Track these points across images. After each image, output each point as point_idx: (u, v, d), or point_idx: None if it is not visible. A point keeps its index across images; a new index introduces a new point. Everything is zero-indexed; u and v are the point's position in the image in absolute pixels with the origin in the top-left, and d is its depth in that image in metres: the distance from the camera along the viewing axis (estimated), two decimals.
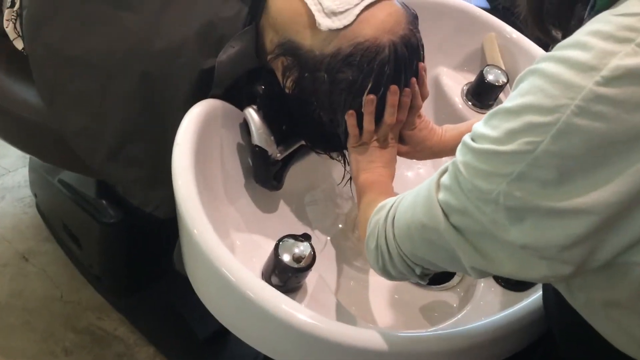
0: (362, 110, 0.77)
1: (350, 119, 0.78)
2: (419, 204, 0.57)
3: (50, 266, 1.37)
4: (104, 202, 1.16)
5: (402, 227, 0.60)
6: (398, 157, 0.85)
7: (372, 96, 0.76)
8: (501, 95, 1.06)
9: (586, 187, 0.44)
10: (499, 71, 1.02)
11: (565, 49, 0.45)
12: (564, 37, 0.49)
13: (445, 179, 0.54)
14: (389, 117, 0.78)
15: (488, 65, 1.03)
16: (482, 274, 0.56)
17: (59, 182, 1.24)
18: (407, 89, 0.78)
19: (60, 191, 1.24)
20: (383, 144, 0.80)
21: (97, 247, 1.26)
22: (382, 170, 0.80)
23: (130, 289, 1.30)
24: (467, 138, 0.52)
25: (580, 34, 0.45)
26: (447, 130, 0.86)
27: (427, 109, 1.05)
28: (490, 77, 1.02)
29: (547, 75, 0.45)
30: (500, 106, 0.49)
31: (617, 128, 0.43)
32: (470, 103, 1.06)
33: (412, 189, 0.61)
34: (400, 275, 0.65)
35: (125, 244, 1.21)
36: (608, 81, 0.42)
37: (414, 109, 0.81)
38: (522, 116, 0.46)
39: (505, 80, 1.02)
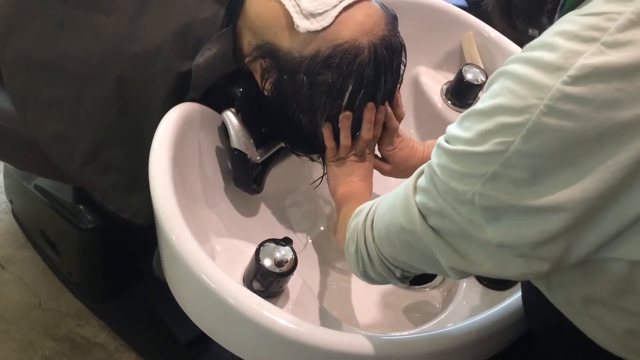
0: (339, 125, 0.79)
1: (326, 131, 0.80)
2: (397, 207, 0.57)
3: (27, 273, 1.34)
4: (81, 207, 1.13)
5: (381, 230, 0.60)
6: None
7: (347, 112, 0.78)
8: (480, 94, 1.06)
9: (558, 185, 0.45)
10: (478, 70, 1.03)
11: (533, 49, 0.46)
12: (539, 34, 0.49)
13: (421, 181, 0.54)
14: (366, 132, 0.80)
15: (467, 64, 1.04)
16: (462, 275, 0.56)
17: (35, 187, 1.21)
18: (382, 107, 0.80)
19: (37, 197, 1.21)
20: (360, 158, 0.82)
21: (75, 253, 1.24)
22: (360, 183, 0.81)
23: (110, 294, 1.28)
24: (441, 140, 0.52)
25: (547, 35, 0.46)
26: (428, 146, 0.87)
27: (407, 108, 1.05)
28: (469, 76, 1.02)
29: (516, 77, 0.46)
30: (472, 108, 0.49)
31: (586, 126, 0.43)
32: (449, 102, 1.06)
33: (389, 192, 0.61)
34: (380, 278, 0.65)
35: (103, 249, 1.19)
36: (575, 80, 0.43)
37: (389, 130, 0.83)
38: (494, 117, 0.46)
39: (484, 79, 1.03)
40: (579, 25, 0.44)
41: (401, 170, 0.87)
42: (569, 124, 0.43)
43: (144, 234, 0.86)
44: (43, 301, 1.31)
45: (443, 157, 0.51)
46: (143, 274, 1.10)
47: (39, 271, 1.35)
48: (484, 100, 0.48)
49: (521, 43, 1.32)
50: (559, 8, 0.51)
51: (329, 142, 0.81)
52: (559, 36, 0.44)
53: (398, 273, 0.62)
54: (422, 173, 0.55)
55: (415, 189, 0.55)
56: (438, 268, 0.56)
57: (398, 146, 0.85)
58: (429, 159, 0.83)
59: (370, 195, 0.81)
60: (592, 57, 0.43)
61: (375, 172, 0.86)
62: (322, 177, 0.87)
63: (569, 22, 0.45)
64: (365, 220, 0.63)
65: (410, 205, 0.54)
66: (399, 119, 0.84)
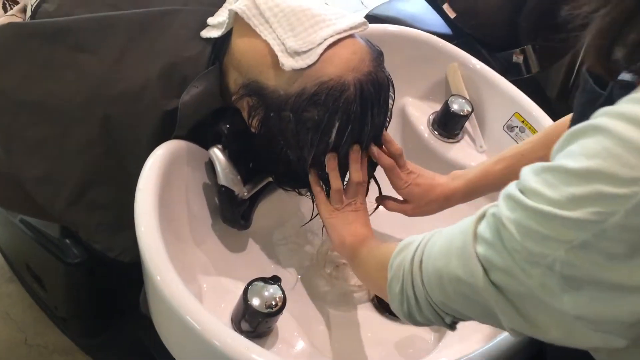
0: (327, 169, 0.78)
1: (312, 176, 0.79)
2: (452, 253, 0.52)
3: (13, 308, 1.32)
4: (67, 241, 1.12)
5: (431, 274, 0.55)
6: None
7: (332, 153, 0.77)
8: (467, 124, 1.07)
9: None
10: (463, 100, 1.04)
11: None
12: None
13: (484, 231, 0.49)
14: (355, 174, 0.79)
15: (452, 95, 1.05)
16: (522, 336, 0.51)
17: (21, 221, 1.20)
18: (373, 148, 0.80)
19: (22, 231, 1.20)
20: (355, 207, 0.79)
21: (62, 288, 1.22)
22: (364, 229, 0.78)
23: (98, 329, 1.26)
24: (514, 191, 0.47)
25: None
26: (453, 178, 0.84)
27: (394, 138, 1.05)
28: (455, 107, 1.03)
29: (620, 139, 0.40)
30: (559, 162, 0.44)
31: None
32: (436, 132, 1.06)
33: (440, 229, 0.57)
34: (427, 322, 0.60)
35: (90, 284, 1.17)
36: None
37: (388, 170, 0.82)
38: (590, 183, 0.41)
39: (469, 110, 1.03)
40: None
41: (423, 206, 0.84)
42: None
43: (131, 269, 0.85)
44: (29, 337, 1.28)
45: (519, 212, 0.45)
46: (131, 309, 1.09)
47: (26, 306, 1.33)
48: (575, 157, 0.43)
49: (504, 73, 1.33)
50: None
51: (315, 187, 0.80)
52: None
53: (448, 320, 0.57)
54: (481, 217, 0.51)
55: (475, 236, 0.50)
56: (496, 323, 0.52)
57: (412, 182, 0.83)
58: (453, 191, 0.83)
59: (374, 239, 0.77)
60: None
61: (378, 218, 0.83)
62: (313, 216, 0.86)
63: None
64: (412, 258, 0.58)
65: (470, 255, 0.50)
66: (395, 155, 0.82)
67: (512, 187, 0.48)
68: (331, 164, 0.78)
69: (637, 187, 0.39)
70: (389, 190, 0.86)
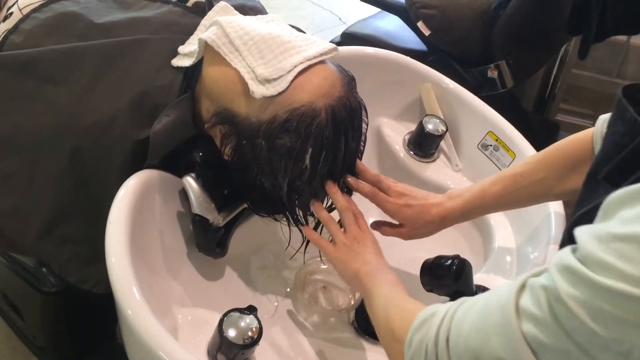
0: (316, 216, 0.79)
1: (307, 230, 0.80)
2: (491, 331, 0.47)
3: None
4: (44, 270, 1.10)
5: (463, 354, 0.50)
6: None
7: (317, 203, 0.79)
8: (442, 144, 1.07)
9: None
10: (438, 120, 1.04)
11: None
12: None
13: (529, 305, 0.44)
14: (338, 202, 0.78)
15: (427, 115, 1.05)
16: None
17: None
18: (349, 179, 0.79)
19: None
20: (358, 236, 0.76)
21: (39, 317, 1.20)
22: (374, 257, 0.74)
23: (77, 358, 1.24)
24: (573, 262, 0.41)
25: None
26: (450, 198, 0.83)
27: (370, 158, 1.06)
28: (429, 127, 1.03)
29: None
30: (634, 229, 0.38)
31: None
32: (412, 152, 1.07)
33: (467, 299, 0.52)
34: None
35: (68, 313, 1.15)
36: None
37: (371, 197, 0.81)
38: None
39: (444, 129, 1.04)
40: None
41: (419, 228, 0.82)
42: None
43: (108, 298, 0.83)
44: None
45: (583, 289, 0.40)
46: (109, 338, 1.07)
47: (3, 336, 1.31)
48: None
49: (480, 89, 1.34)
50: None
51: (313, 237, 0.79)
52: None
53: None
54: (521, 289, 0.46)
55: (518, 311, 0.45)
56: None
57: (404, 204, 0.81)
58: (448, 211, 0.81)
59: (389, 268, 0.74)
60: None
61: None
62: (290, 242, 0.86)
63: None
64: (437, 336, 0.52)
65: (513, 333, 0.45)
66: (372, 182, 0.82)
67: (568, 257, 0.42)
68: (317, 207, 0.78)
69: None
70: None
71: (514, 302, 0.45)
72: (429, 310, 0.56)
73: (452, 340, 0.51)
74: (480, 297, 0.52)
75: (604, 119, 0.73)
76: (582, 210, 0.53)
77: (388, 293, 0.68)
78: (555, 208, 0.88)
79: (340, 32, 1.67)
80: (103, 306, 0.93)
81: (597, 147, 0.73)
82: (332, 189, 0.78)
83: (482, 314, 0.49)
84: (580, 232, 0.42)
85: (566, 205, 0.89)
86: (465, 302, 0.53)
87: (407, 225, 0.83)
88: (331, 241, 0.79)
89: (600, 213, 0.43)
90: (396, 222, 0.85)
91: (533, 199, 0.83)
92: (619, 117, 0.54)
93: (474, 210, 0.83)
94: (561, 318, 0.41)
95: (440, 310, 0.55)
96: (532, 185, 0.79)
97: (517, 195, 0.81)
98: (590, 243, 0.40)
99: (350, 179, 0.81)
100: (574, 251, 0.42)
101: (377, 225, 0.87)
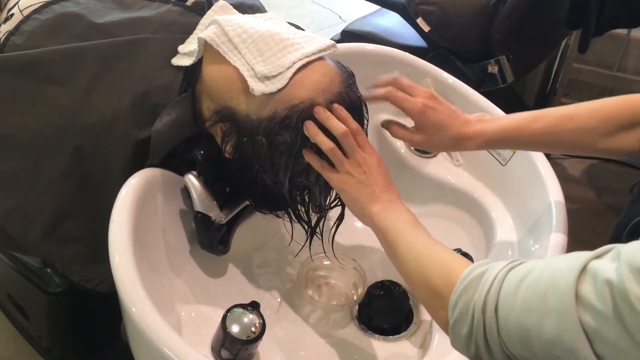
0: (312, 139, 0.74)
1: (308, 154, 0.74)
2: (547, 314, 0.47)
3: None
4: (48, 270, 1.11)
5: (514, 328, 0.50)
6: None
7: (308, 121, 0.73)
8: None
9: None
10: None
11: None
12: None
13: (592, 297, 0.44)
14: (335, 128, 0.72)
15: None
16: None
17: (1, 252, 1.19)
18: (335, 105, 0.73)
19: (3, 261, 1.19)
20: (366, 167, 0.72)
21: (45, 317, 1.21)
22: (386, 195, 0.71)
23: (82, 358, 1.25)
24: None
25: None
26: (480, 120, 0.77)
27: None
28: None
29: None
30: None
31: None
32: (412, 148, 1.07)
33: (515, 263, 0.51)
34: None
35: (73, 312, 1.16)
36: None
37: (389, 97, 0.75)
38: None
39: None
40: None
41: (435, 139, 0.76)
42: None
43: (113, 297, 0.84)
44: None
45: None
46: (114, 337, 1.08)
47: (9, 336, 1.31)
48: None
49: (480, 84, 1.34)
50: None
51: (315, 162, 0.73)
52: None
53: None
54: (581, 274, 0.45)
55: (577, 299, 0.44)
56: None
57: (430, 105, 0.74)
58: (478, 135, 0.74)
59: (402, 203, 0.71)
60: None
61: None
62: (306, 242, 0.85)
63: None
64: (484, 303, 0.52)
65: (572, 322, 0.44)
66: (387, 82, 0.76)
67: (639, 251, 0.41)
68: (312, 129, 0.72)
69: None
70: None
71: (573, 288, 0.45)
72: (475, 271, 0.55)
73: (502, 312, 0.50)
74: (531, 266, 0.50)
75: None
76: None
77: (414, 239, 0.65)
78: (556, 197, 0.87)
79: (340, 30, 1.68)
80: (107, 306, 0.94)
81: None
82: (325, 117, 0.72)
83: (537, 293, 0.48)
84: None
85: (570, 201, 0.88)
86: (514, 268, 0.52)
87: (425, 131, 0.76)
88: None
89: None
90: (410, 127, 0.77)
91: (574, 146, 0.76)
92: None
93: (504, 142, 0.77)
94: (625, 316, 0.42)
95: (489, 272, 0.53)
96: (579, 132, 0.73)
97: (559, 138, 0.74)
98: None
99: (342, 112, 0.74)
100: None
101: (388, 124, 0.80)
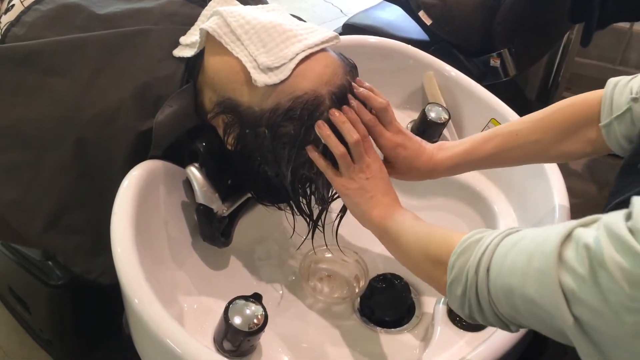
0: (323, 140, 0.74)
1: (312, 152, 0.75)
2: (531, 275, 0.49)
3: None
4: (49, 263, 1.11)
5: (500, 288, 0.52)
6: None
7: (321, 121, 0.73)
8: (445, 132, 1.07)
9: None
10: (440, 108, 1.04)
11: None
12: None
13: (573, 260, 0.46)
14: (348, 134, 0.73)
15: (429, 103, 1.05)
16: None
17: (2, 244, 1.19)
18: (346, 107, 0.74)
19: (4, 254, 1.19)
20: (369, 173, 0.73)
21: (46, 310, 1.21)
22: (386, 199, 0.73)
23: (84, 351, 1.25)
24: (623, 231, 0.43)
25: None
26: (439, 149, 0.80)
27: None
28: (432, 115, 1.03)
29: None
30: None
31: None
32: None
33: (512, 230, 0.53)
34: (489, 324, 0.58)
35: (75, 305, 1.16)
36: None
37: (371, 127, 0.76)
38: None
39: (447, 117, 1.04)
40: None
41: (405, 172, 0.79)
42: None
43: (115, 290, 0.84)
44: None
45: (628, 258, 0.42)
46: (117, 329, 1.08)
47: (10, 329, 1.32)
48: None
49: (482, 77, 1.34)
50: None
51: (320, 162, 0.74)
52: None
53: (514, 328, 0.56)
54: (566, 239, 0.47)
55: (560, 261, 0.47)
56: (569, 342, 0.49)
57: (402, 143, 0.78)
58: (438, 163, 0.78)
59: (400, 205, 0.73)
60: None
61: None
62: (308, 234, 0.85)
63: None
64: (478, 264, 0.54)
65: (552, 282, 0.46)
66: (379, 110, 0.76)
67: (619, 224, 0.43)
68: (325, 131, 0.73)
69: None
70: None
71: (557, 251, 0.47)
72: (474, 236, 0.57)
73: (492, 273, 0.53)
74: (525, 233, 0.52)
75: (614, 82, 0.71)
76: (619, 199, 0.54)
77: (415, 226, 0.67)
78: (561, 201, 0.87)
79: (341, 24, 1.67)
80: (109, 298, 0.94)
81: (605, 112, 0.71)
82: (341, 121, 0.73)
83: (524, 256, 0.50)
84: (637, 200, 0.44)
85: (572, 196, 0.88)
86: (510, 234, 0.54)
87: (395, 165, 0.79)
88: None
89: None
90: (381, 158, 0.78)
91: (526, 159, 0.80)
92: None
93: (463, 166, 0.81)
94: (600, 278, 0.43)
95: (485, 238, 0.56)
96: (527, 146, 0.77)
97: (509, 154, 0.79)
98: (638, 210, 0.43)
99: (354, 102, 0.75)
100: (627, 219, 0.44)
101: None
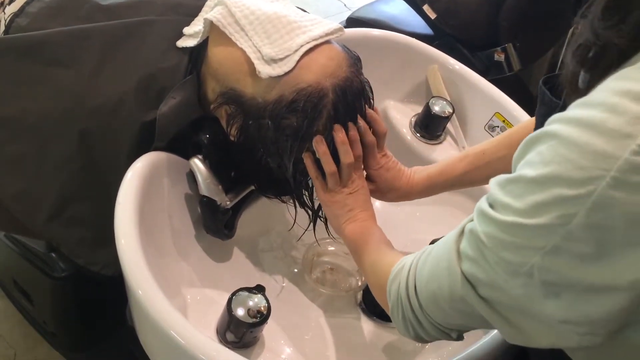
0: (317, 155, 0.76)
1: (308, 160, 0.77)
2: (441, 275, 0.53)
3: (2, 325, 1.31)
4: (53, 255, 1.11)
5: (427, 298, 0.56)
6: None
7: (319, 136, 0.75)
8: (449, 126, 1.07)
9: (628, 262, 0.41)
10: (444, 102, 1.04)
11: (589, 109, 0.42)
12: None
13: (466, 248, 0.50)
14: (344, 155, 0.76)
15: (433, 96, 1.05)
16: (521, 344, 0.51)
17: (6, 236, 1.19)
18: (351, 124, 0.77)
19: (8, 246, 1.19)
20: (352, 188, 0.78)
21: (50, 302, 1.21)
22: (364, 214, 0.77)
23: (88, 343, 1.25)
24: (484, 205, 0.48)
25: (605, 93, 0.42)
26: (415, 172, 0.85)
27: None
28: (436, 109, 1.03)
29: (572, 143, 0.42)
30: (520, 173, 0.45)
31: None
32: (418, 135, 1.07)
33: (425, 249, 0.58)
34: (435, 339, 0.61)
35: (78, 297, 1.16)
36: None
37: (367, 148, 0.79)
38: (549, 188, 0.42)
39: (451, 111, 1.04)
40: None
41: (385, 192, 0.83)
42: None
43: (118, 281, 0.84)
44: (19, 353, 1.27)
45: (491, 226, 0.47)
46: (120, 321, 1.08)
47: (14, 322, 1.32)
48: (534, 166, 0.44)
49: (486, 72, 1.34)
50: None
51: (312, 172, 0.77)
52: (624, 97, 0.40)
53: (454, 334, 0.59)
54: (460, 235, 0.51)
55: (458, 255, 0.51)
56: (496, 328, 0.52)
57: (385, 165, 0.82)
58: (414, 184, 0.83)
59: (376, 222, 0.77)
60: None
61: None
62: (295, 222, 0.86)
63: (633, 79, 0.41)
64: (407, 285, 0.58)
65: (457, 274, 0.51)
66: (379, 134, 0.80)
67: (483, 202, 0.49)
68: (321, 147, 0.75)
69: (592, 185, 0.40)
70: None
71: (455, 246, 0.52)
72: (400, 264, 0.61)
73: (419, 287, 0.57)
74: (435, 245, 0.57)
75: None
76: None
77: (374, 250, 0.72)
78: None
79: (345, 18, 1.66)
80: (112, 290, 0.94)
81: None
82: (341, 141, 0.75)
83: (434, 261, 0.55)
84: (491, 181, 0.49)
85: None
86: (425, 251, 0.58)
87: (377, 185, 0.83)
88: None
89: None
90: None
91: (496, 175, 0.83)
92: (541, 101, 0.60)
93: (437, 186, 0.84)
94: (486, 255, 0.48)
95: (407, 262, 0.60)
96: (494, 163, 0.81)
97: (480, 173, 0.82)
98: (496, 189, 0.48)
99: (362, 123, 0.78)
100: (488, 198, 0.49)
101: None
